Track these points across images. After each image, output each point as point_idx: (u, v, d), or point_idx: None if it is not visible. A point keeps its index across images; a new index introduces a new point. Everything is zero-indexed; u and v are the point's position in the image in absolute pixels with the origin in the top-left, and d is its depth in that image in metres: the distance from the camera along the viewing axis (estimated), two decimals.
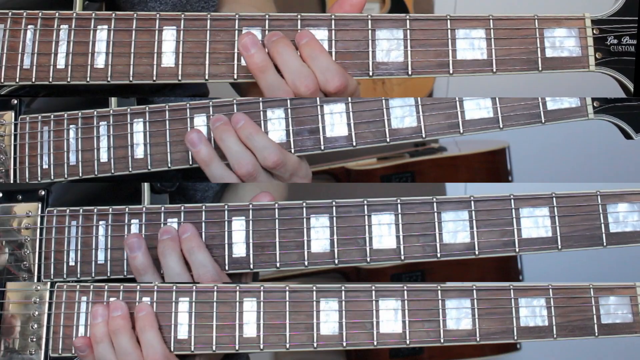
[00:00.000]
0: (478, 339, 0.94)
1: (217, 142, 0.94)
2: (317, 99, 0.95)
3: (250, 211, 0.96)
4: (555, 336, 0.94)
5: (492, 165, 2.03)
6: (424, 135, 0.98)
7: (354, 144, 0.96)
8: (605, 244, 0.94)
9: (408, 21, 0.96)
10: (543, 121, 0.96)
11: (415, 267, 1.88)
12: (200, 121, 0.98)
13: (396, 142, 0.97)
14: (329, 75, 0.93)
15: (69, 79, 0.98)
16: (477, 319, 0.94)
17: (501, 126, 0.97)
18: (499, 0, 1.50)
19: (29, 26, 0.99)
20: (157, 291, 0.95)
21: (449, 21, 0.97)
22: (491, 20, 0.96)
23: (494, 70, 0.96)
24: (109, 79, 0.97)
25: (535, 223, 0.94)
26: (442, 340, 0.94)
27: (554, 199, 0.94)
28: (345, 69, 0.94)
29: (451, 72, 0.97)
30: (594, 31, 0.96)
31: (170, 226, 0.94)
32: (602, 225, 0.94)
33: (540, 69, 0.97)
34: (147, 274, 0.94)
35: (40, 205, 1.00)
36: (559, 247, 0.94)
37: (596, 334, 0.94)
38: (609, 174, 2.28)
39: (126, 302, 0.95)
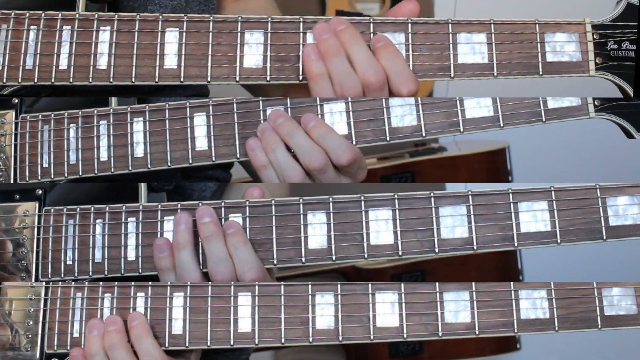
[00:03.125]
0: (477, 333, 0.97)
1: (284, 138, 1.00)
2: (317, 98, 1.02)
3: (247, 208, 1.01)
4: (557, 329, 0.97)
5: (492, 165, 2.06)
6: (424, 134, 1.02)
7: (354, 142, 1.02)
8: (605, 237, 0.98)
9: (410, 25, 1.03)
10: (544, 120, 1.01)
11: (415, 266, 1.90)
12: (200, 120, 1.03)
13: (396, 141, 1.02)
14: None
15: (71, 80, 1.04)
16: (476, 312, 0.97)
17: (501, 125, 1.01)
18: (499, 4, 1.51)
19: (32, 27, 1.06)
20: (151, 286, 1.01)
21: (450, 25, 1.03)
22: (492, 25, 1.03)
23: (495, 74, 1.02)
24: (111, 80, 1.04)
25: (534, 217, 0.98)
26: (440, 334, 0.98)
27: (553, 192, 0.99)
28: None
29: (452, 75, 1.02)
30: (594, 36, 1.03)
31: (210, 209, 0.99)
32: (602, 218, 0.98)
33: (540, 73, 1.02)
34: (186, 249, 0.99)
35: (37, 204, 1.06)
36: (558, 241, 0.98)
37: (599, 326, 0.97)
38: (610, 173, 2.31)
39: (120, 298, 1.01)
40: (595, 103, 1.01)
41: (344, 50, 1.00)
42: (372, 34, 1.02)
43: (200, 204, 1.01)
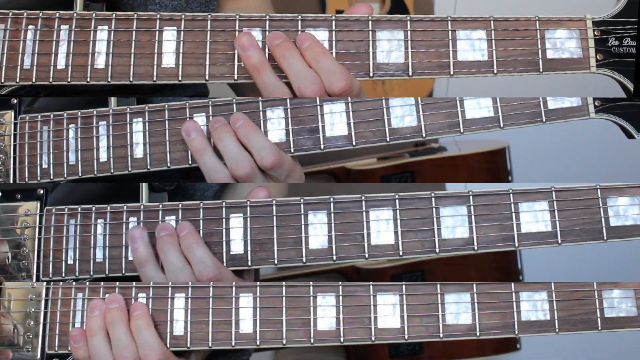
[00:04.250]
0: (478, 334, 0.97)
1: (216, 143, 1.00)
2: (317, 98, 1.02)
3: (248, 208, 1.01)
4: (557, 330, 0.97)
5: (492, 165, 2.06)
6: (424, 135, 1.02)
7: (354, 143, 1.02)
8: (605, 237, 0.97)
9: (409, 22, 1.02)
10: (544, 120, 1.01)
11: (415, 267, 1.90)
12: (199, 121, 1.03)
13: (396, 142, 1.02)
14: (333, 77, 0.99)
15: (69, 79, 1.04)
16: (477, 314, 0.97)
17: (502, 125, 1.01)
18: (499, 1, 1.50)
19: (30, 26, 1.06)
20: (152, 287, 1.01)
21: (449, 22, 1.02)
22: (492, 22, 1.02)
23: (495, 71, 1.02)
24: (109, 79, 1.04)
25: (534, 217, 0.98)
26: (441, 335, 0.98)
27: (554, 193, 0.99)
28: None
29: (452, 73, 1.02)
30: (595, 32, 1.02)
31: (167, 223, 1.01)
32: (603, 219, 0.98)
33: (541, 70, 1.01)
34: (148, 264, 1.00)
35: (38, 204, 1.06)
36: (559, 241, 0.98)
37: (599, 328, 0.97)
38: (610, 174, 2.30)
39: (131, 301, 1.00)
40: (596, 103, 1.00)
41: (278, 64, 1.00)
42: (370, 32, 1.01)
43: (201, 204, 1.01)
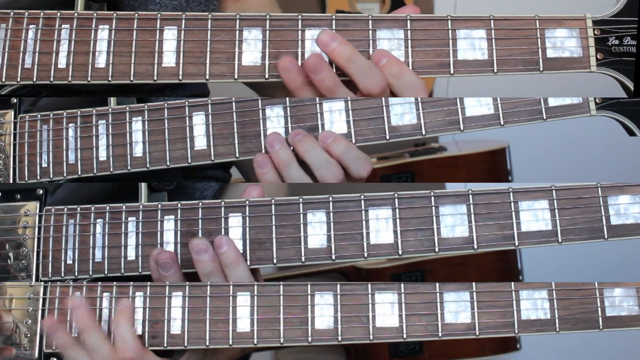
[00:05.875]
0: (477, 333, 0.96)
1: (302, 154, 0.99)
2: (317, 98, 1.01)
3: (247, 207, 1.00)
4: (558, 329, 0.97)
5: (492, 165, 2.05)
6: (423, 133, 1.01)
7: (354, 141, 1.01)
8: (606, 236, 0.96)
9: (409, 21, 1.02)
10: (544, 118, 1.00)
11: (415, 267, 1.89)
12: (199, 119, 1.02)
13: (396, 140, 1.02)
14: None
15: (70, 79, 1.03)
16: (476, 313, 0.96)
17: (502, 123, 1.00)
18: (499, 0, 1.50)
19: (31, 26, 1.05)
20: (150, 286, 1.00)
21: (449, 21, 1.01)
22: (492, 21, 1.01)
23: (495, 70, 1.01)
24: (109, 78, 1.03)
25: (534, 216, 0.97)
26: (440, 335, 0.96)
27: (554, 191, 0.98)
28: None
29: (452, 72, 1.01)
30: (595, 32, 1.01)
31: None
32: (603, 217, 0.97)
33: (541, 69, 1.01)
34: (215, 275, 0.99)
35: (38, 204, 1.05)
36: (559, 240, 0.97)
37: (600, 327, 0.96)
38: (611, 172, 2.29)
39: (119, 298, 1.00)
40: (597, 100, 0.99)
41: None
42: (370, 32, 1.00)
43: (200, 204, 1.00)
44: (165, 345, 0.98)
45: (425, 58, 1.00)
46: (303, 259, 0.98)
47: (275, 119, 1.01)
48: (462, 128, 1.00)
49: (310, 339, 0.97)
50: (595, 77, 1.01)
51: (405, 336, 0.96)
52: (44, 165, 1.04)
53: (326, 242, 0.98)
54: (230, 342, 0.97)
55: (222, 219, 1.00)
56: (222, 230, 1.00)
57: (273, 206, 0.99)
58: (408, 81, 0.99)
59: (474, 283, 0.97)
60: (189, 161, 1.01)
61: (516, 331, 0.96)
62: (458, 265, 1.94)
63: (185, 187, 1.16)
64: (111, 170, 1.03)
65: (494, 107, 0.99)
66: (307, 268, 1.23)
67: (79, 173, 1.04)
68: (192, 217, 1.00)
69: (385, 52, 0.99)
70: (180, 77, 1.01)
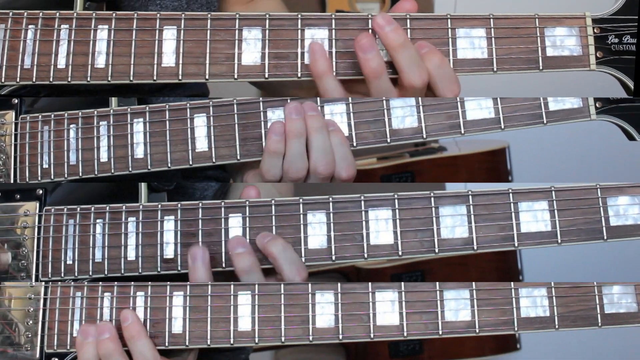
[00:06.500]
0: (477, 331, 0.96)
1: (309, 131, 0.99)
2: (318, 98, 1.01)
3: (247, 208, 1.00)
4: (557, 327, 0.96)
5: (492, 165, 2.06)
6: (424, 136, 1.01)
7: (354, 144, 1.01)
8: (605, 237, 0.96)
9: (408, 20, 1.01)
10: (545, 122, 1.00)
11: (415, 267, 1.89)
12: (200, 121, 1.02)
13: (397, 143, 1.01)
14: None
15: (69, 79, 1.03)
16: (476, 310, 0.96)
17: (502, 127, 1.00)
18: None
19: (30, 26, 1.05)
20: (151, 286, 1.00)
21: (449, 20, 1.01)
22: (491, 20, 1.01)
23: (495, 69, 1.01)
24: (109, 78, 1.03)
25: (534, 217, 0.97)
26: (440, 332, 0.97)
27: (553, 192, 0.97)
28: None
29: None
30: (595, 30, 1.01)
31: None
32: (603, 218, 0.97)
33: (540, 68, 1.01)
34: (252, 272, 0.98)
35: (38, 204, 1.05)
36: (559, 241, 0.97)
37: (599, 324, 0.96)
38: (610, 175, 2.29)
39: (120, 298, 0.99)
40: (597, 105, 0.99)
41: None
42: (370, 31, 1.00)
43: (200, 204, 1.00)
44: (166, 344, 0.98)
45: None
46: (303, 259, 0.98)
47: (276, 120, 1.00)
48: (463, 132, 1.00)
49: (311, 338, 0.96)
50: (594, 75, 1.01)
51: (405, 334, 0.96)
52: (45, 166, 1.04)
53: (326, 242, 0.98)
54: (232, 341, 0.97)
55: (222, 220, 1.00)
56: (223, 231, 0.99)
57: (273, 207, 0.99)
58: (448, 73, 0.99)
59: (473, 282, 0.96)
60: (190, 163, 1.01)
61: (516, 328, 0.96)
62: (458, 265, 1.94)
63: (185, 187, 1.16)
64: (112, 171, 1.03)
65: (495, 111, 0.99)
66: (308, 268, 1.23)
67: (80, 174, 1.03)
68: (192, 218, 1.00)
69: (426, 43, 0.99)
70: (180, 77, 1.01)
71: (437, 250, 0.97)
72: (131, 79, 1.01)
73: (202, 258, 0.98)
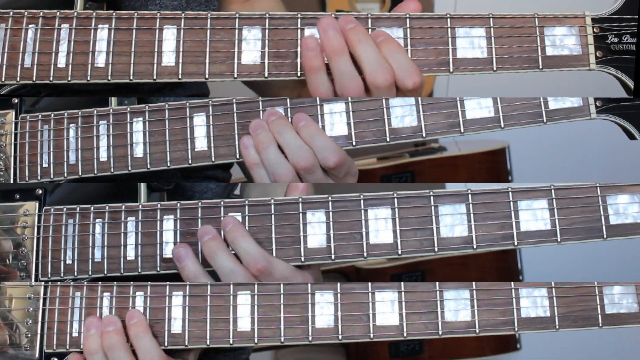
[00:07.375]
0: (477, 331, 0.96)
1: (275, 136, 0.99)
2: (317, 98, 1.01)
3: (246, 207, 1.00)
4: (557, 327, 0.96)
5: (492, 165, 2.06)
6: (424, 135, 1.01)
7: (354, 143, 1.01)
8: (605, 236, 0.96)
9: (408, 20, 1.01)
10: (545, 121, 1.00)
11: (414, 267, 1.89)
12: (200, 120, 1.02)
13: (396, 142, 1.01)
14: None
15: (69, 78, 1.03)
16: (476, 311, 0.96)
17: (502, 126, 1.00)
18: None
19: (30, 25, 1.05)
20: (150, 286, 1.00)
21: (449, 20, 1.01)
22: (491, 19, 1.01)
23: (495, 68, 1.01)
24: (109, 77, 1.03)
25: (533, 216, 0.97)
26: (440, 333, 0.96)
27: (553, 191, 0.97)
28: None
29: (451, 70, 1.01)
30: (595, 30, 1.01)
31: (208, 226, 0.99)
32: (602, 217, 0.97)
33: (540, 67, 1.01)
34: (199, 279, 0.99)
35: (37, 204, 1.05)
36: (559, 239, 0.96)
37: (600, 325, 0.96)
38: (611, 175, 2.30)
39: (120, 298, 1.00)
40: (597, 104, 0.99)
41: (349, 49, 0.98)
42: (370, 30, 1.00)
43: (200, 204, 1.00)
44: (166, 344, 0.98)
45: (424, 56, 1.00)
46: (302, 258, 0.98)
47: None
48: (462, 131, 1.00)
49: (310, 338, 0.96)
50: (594, 75, 1.00)
51: (405, 334, 0.96)
52: (45, 165, 1.04)
53: (326, 242, 0.98)
54: (231, 342, 0.97)
55: (222, 219, 0.99)
56: (222, 230, 0.99)
57: (272, 206, 0.99)
58: (405, 61, 0.97)
59: (473, 282, 0.96)
60: (190, 162, 1.01)
61: (516, 329, 0.96)
62: (458, 265, 1.94)
63: (184, 188, 1.16)
64: (112, 170, 1.03)
65: (494, 110, 0.99)
66: (307, 268, 1.23)
67: (80, 173, 1.03)
68: (192, 217, 1.00)
69: (383, 31, 0.99)
70: (180, 77, 1.01)
71: (436, 249, 0.97)
72: (131, 78, 1.01)
73: (187, 255, 0.98)
